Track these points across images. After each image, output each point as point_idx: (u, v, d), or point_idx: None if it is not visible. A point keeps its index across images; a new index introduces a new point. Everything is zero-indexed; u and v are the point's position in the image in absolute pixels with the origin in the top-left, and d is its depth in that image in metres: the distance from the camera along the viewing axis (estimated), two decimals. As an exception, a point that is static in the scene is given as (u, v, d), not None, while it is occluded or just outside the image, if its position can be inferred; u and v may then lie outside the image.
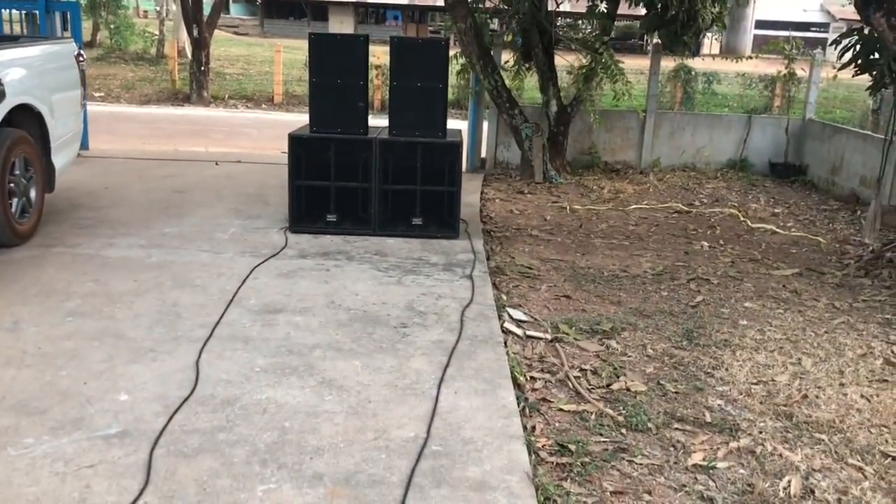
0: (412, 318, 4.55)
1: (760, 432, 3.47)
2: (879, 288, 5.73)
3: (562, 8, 9.99)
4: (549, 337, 4.45)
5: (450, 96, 13.54)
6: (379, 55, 16.01)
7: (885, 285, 5.78)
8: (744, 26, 41.03)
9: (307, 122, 6.41)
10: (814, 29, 44.04)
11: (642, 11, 9.39)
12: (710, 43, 38.16)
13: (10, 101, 5.32)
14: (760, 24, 42.83)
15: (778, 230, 7.48)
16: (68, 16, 9.44)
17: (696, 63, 15.08)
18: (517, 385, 3.79)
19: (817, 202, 8.92)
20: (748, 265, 6.26)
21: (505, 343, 4.27)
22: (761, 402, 3.76)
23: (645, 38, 38.29)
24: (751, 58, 11.49)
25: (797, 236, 7.29)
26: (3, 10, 9.33)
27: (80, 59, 6.68)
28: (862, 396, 3.88)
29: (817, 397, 3.85)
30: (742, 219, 7.83)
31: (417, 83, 6.20)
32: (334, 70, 6.16)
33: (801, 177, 10.10)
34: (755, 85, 15.40)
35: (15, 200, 5.52)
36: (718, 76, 16.01)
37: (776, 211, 8.34)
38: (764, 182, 9.88)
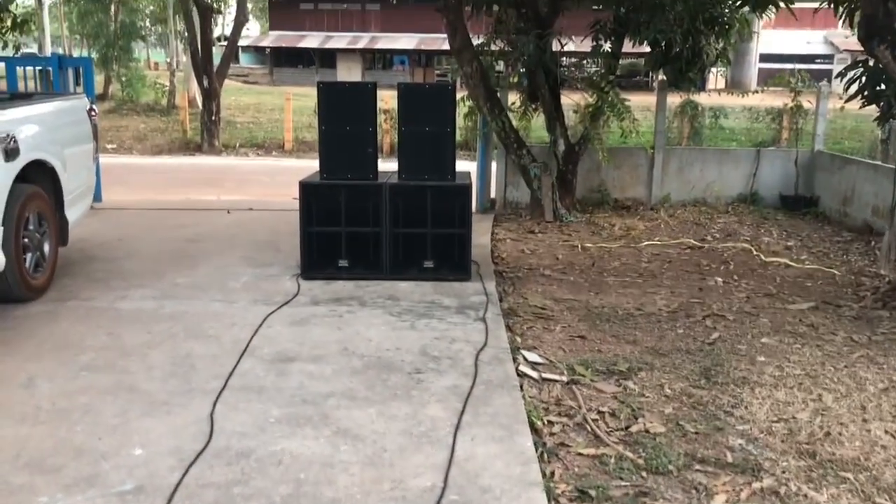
0: (426, 363, 4.52)
1: (784, 472, 3.40)
2: (898, 320, 5.67)
3: (566, 48, 10.08)
4: (565, 379, 4.41)
5: (458, 138, 13.71)
6: (387, 99, 16.20)
7: (903, 317, 5.71)
8: (748, 60, 41.32)
9: (318, 168, 6.46)
10: (818, 60, 44.27)
11: (647, 49, 9.47)
12: (716, 77, 38.53)
13: (25, 158, 5.38)
14: (765, 58, 43.09)
15: (792, 263, 7.43)
16: (81, 71, 9.60)
17: (702, 98, 15.15)
18: (534, 430, 3.74)
19: (830, 234, 8.87)
20: (763, 300, 6.21)
21: (521, 387, 4.23)
22: (783, 441, 3.70)
23: (650, 74, 38.64)
24: (756, 92, 11.54)
25: (812, 269, 7.24)
26: (17, 68, 9.50)
27: (93, 113, 6.78)
28: (886, 432, 3.81)
29: (840, 434, 3.78)
30: (755, 253, 7.79)
31: (425, 127, 6.25)
32: (343, 117, 6.22)
33: (812, 209, 10.06)
34: (762, 118, 15.46)
35: (29, 255, 5.55)
36: (725, 110, 16.07)
37: (789, 244, 8.29)
38: (776, 215, 9.85)
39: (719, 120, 15.92)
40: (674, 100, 12.90)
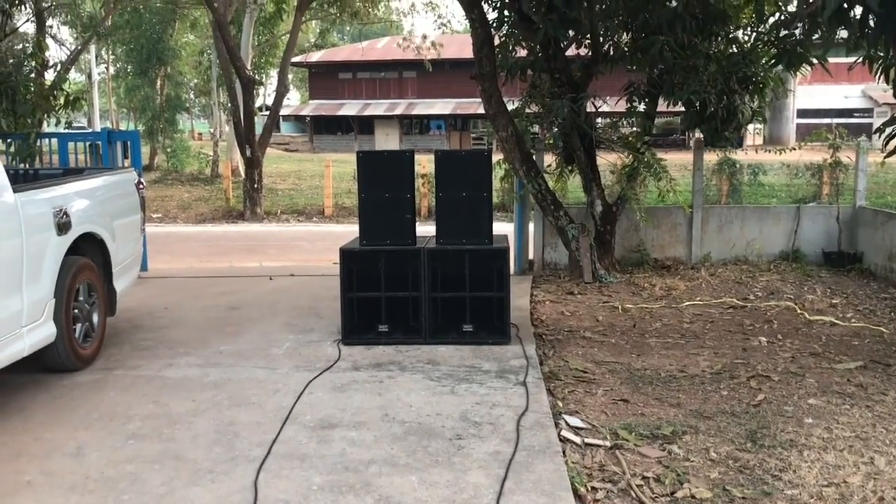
0: (467, 429, 4.51)
1: (836, 539, 3.32)
2: (950, 378, 5.53)
3: (601, 109, 10.20)
4: (608, 444, 4.37)
5: (495, 200, 13.73)
6: (424, 164, 16.48)
7: (955, 375, 5.57)
8: (786, 116, 41.33)
9: (356, 233, 6.57)
10: (857, 115, 44.03)
11: (683, 108, 9.54)
12: (753, 135, 38.51)
13: (76, 231, 5.58)
14: (802, 113, 43.02)
15: (837, 321, 7.30)
16: (129, 144, 9.94)
17: (740, 155, 15.15)
18: (578, 496, 3.70)
19: (876, 291, 8.72)
20: (809, 360, 6.10)
21: (563, 452, 4.20)
22: (834, 507, 3.61)
23: (686, 132, 38.73)
24: (794, 148, 11.50)
25: (858, 327, 7.11)
26: (69, 143, 9.87)
27: (140, 186, 7.01)
28: (942, 497, 3.70)
29: (895, 500, 3.68)
30: (799, 311, 7.67)
31: (462, 193, 6.35)
32: (382, 184, 6.36)
33: (857, 265, 9.91)
34: (802, 174, 15.39)
35: (79, 326, 5.70)
36: (764, 167, 16.03)
37: (834, 301, 8.16)
38: (819, 272, 9.71)
39: (758, 177, 15.89)
40: (711, 158, 12.92)
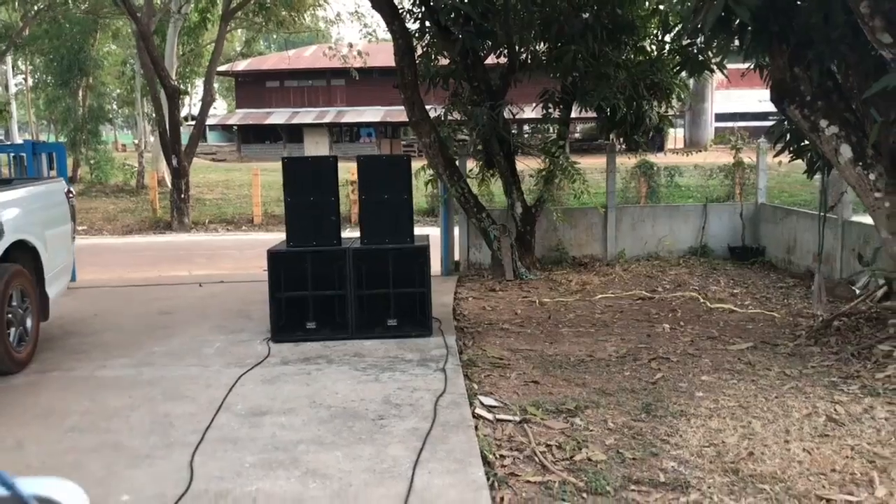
0: (389, 410, 4.88)
1: (709, 487, 3.79)
2: (827, 354, 6.12)
3: (519, 115, 10.69)
4: (517, 419, 4.79)
5: (423, 205, 14.12)
6: (353, 171, 16.74)
7: (832, 351, 6.17)
8: (704, 120, 42.80)
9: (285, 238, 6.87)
10: (771, 118, 45.62)
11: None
12: (675, 138, 39.69)
13: (8, 239, 5.75)
14: (720, 117, 44.62)
15: (736, 309, 7.91)
16: (54, 156, 10.01)
17: (659, 158, 15.90)
18: (487, 463, 4.11)
19: (774, 281, 9.40)
20: (706, 342, 6.65)
21: (476, 427, 4.60)
22: (711, 462, 4.10)
23: (611, 137, 39.87)
24: (699, 151, 12.23)
25: (754, 313, 7.72)
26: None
27: (70, 195, 7.18)
28: (804, 450, 4.22)
29: (763, 454, 4.18)
30: (702, 301, 8.27)
31: (385, 195, 6.72)
32: (307, 189, 6.68)
33: (759, 258, 10.63)
34: (715, 175, 16.24)
35: (13, 330, 5.87)
36: (680, 169, 16.83)
37: (735, 291, 8.80)
38: (724, 266, 10.38)
39: (674, 178, 16.67)
40: (630, 161, 13.57)
